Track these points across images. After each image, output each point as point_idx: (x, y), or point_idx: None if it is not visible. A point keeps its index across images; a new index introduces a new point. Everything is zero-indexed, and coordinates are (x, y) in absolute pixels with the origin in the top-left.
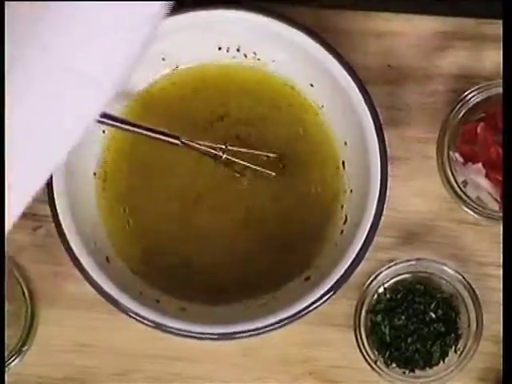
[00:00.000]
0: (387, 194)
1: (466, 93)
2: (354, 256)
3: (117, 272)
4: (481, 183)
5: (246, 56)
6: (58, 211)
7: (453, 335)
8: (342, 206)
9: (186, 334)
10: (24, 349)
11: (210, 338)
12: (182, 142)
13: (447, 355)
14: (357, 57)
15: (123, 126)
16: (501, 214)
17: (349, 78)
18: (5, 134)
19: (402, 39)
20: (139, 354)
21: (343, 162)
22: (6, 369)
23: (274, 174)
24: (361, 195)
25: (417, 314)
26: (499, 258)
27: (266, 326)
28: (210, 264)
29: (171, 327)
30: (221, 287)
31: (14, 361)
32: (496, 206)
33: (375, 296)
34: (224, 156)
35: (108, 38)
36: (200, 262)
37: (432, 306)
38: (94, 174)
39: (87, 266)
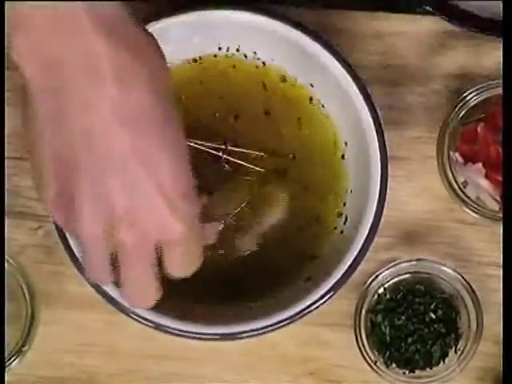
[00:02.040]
0: (387, 193)
1: (466, 93)
2: (354, 256)
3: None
4: (481, 183)
5: (246, 56)
6: None
7: (453, 335)
8: (343, 206)
9: (186, 334)
10: (24, 349)
11: (211, 339)
12: None
13: (447, 355)
14: (357, 57)
15: None
16: (501, 215)
17: (349, 78)
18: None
19: (402, 39)
20: (139, 354)
21: (343, 162)
22: (6, 369)
23: (262, 169)
24: (361, 195)
25: (417, 315)
26: (499, 258)
27: (266, 326)
28: (211, 264)
29: (171, 327)
30: (221, 287)
31: (14, 361)
32: (496, 207)
33: (375, 296)
34: (224, 156)
35: None
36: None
37: (432, 307)
38: None
39: None
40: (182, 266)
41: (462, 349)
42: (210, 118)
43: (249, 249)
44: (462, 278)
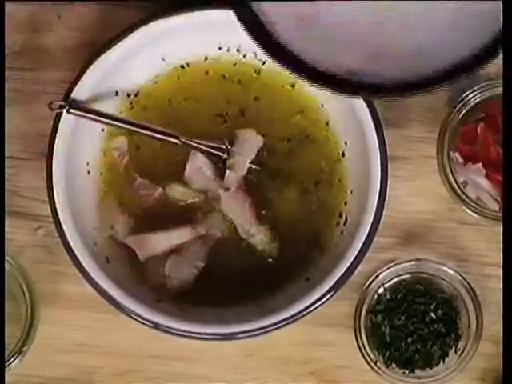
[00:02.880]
0: (387, 193)
1: (466, 93)
2: (354, 256)
3: (117, 272)
4: (481, 183)
5: (245, 56)
6: (58, 211)
7: (453, 335)
8: (342, 207)
9: (186, 334)
10: (24, 349)
11: (211, 339)
12: (181, 141)
13: (447, 355)
14: None
15: (123, 125)
16: (500, 214)
17: None
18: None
19: None
20: (139, 354)
21: (343, 161)
22: (6, 369)
23: (258, 167)
24: (361, 195)
25: (417, 315)
26: (499, 258)
27: (266, 326)
28: (211, 265)
29: (171, 327)
30: (221, 288)
31: (14, 361)
32: (496, 206)
33: (375, 296)
34: (224, 156)
35: None
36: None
37: (432, 307)
38: (96, 173)
39: (87, 266)
40: None
41: (461, 349)
42: (209, 117)
43: (267, 245)
44: (462, 277)
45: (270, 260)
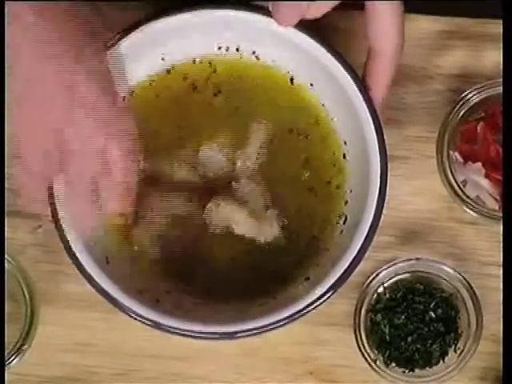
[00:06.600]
0: (387, 193)
1: (466, 92)
2: (353, 255)
3: (116, 272)
4: (480, 183)
5: (245, 56)
6: (58, 211)
7: (452, 335)
8: (342, 206)
9: (185, 333)
10: (24, 348)
11: (210, 338)
12: None
13: (447, 355)
14: (357, 57)
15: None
16: (500, 214)
17: (349, 78)
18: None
19: None
20: (139, 354)
21: (343, 162)
22: (6, 368)
23: (264, 159)
24: (361, 195)
25: (416, 314)
26: (499, 257)
27: (266, 326)
28: (211, 264)
29: (171, 327)
30: (221, 287)
31: (13, 360)
32: (495, 206)
33: (375, 295)
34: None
35: None
36: (201, 262)
37: (432, 306)
38: None
39: (87, 266)
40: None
41: (461, 348)
42: (209, 117)
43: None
44: (462, 277)
45: (269, 260)
